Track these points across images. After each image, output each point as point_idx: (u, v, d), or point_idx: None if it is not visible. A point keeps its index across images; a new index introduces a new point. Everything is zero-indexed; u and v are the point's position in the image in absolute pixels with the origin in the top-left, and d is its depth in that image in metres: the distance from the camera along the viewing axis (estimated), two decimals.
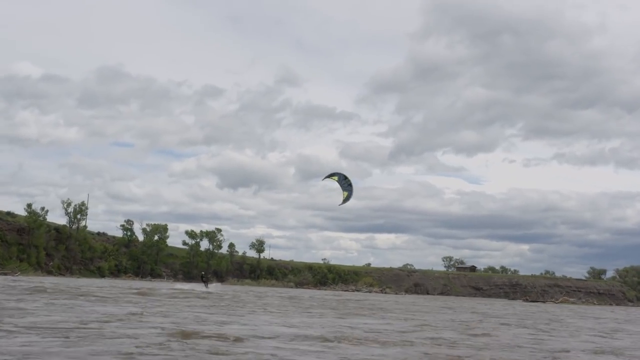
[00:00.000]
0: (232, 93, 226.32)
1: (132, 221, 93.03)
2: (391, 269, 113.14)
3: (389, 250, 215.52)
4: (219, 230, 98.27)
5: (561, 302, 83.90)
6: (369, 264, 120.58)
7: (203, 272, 50.77)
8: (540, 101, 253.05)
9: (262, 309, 22.31)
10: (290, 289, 73.08)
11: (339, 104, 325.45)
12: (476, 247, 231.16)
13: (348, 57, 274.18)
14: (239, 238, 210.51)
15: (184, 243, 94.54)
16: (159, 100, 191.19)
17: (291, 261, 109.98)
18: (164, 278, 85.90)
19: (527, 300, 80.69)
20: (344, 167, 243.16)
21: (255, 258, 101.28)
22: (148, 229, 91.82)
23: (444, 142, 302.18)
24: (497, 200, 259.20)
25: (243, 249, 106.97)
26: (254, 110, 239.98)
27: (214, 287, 46.74)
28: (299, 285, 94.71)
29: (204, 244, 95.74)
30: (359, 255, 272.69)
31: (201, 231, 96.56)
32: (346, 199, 25.60)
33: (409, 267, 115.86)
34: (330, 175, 26.29)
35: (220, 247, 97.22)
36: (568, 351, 13.35)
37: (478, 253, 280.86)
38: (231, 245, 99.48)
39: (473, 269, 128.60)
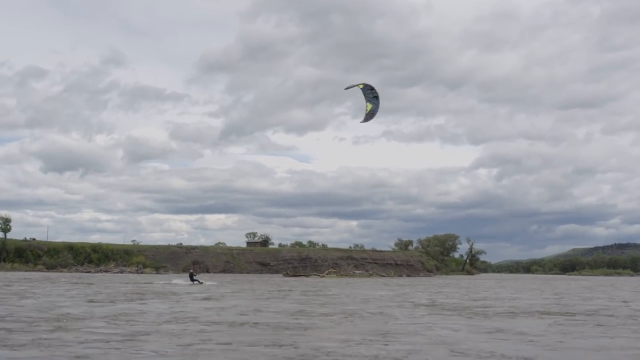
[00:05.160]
0: (56, 74, 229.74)
1: None
2: (168, 246, 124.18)
3: (219, 230, 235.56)
4: None
5: (327, 274, 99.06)
6: (135, 241, 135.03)
7: (191, 270, 57.53)
8: (368, 80, 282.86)
9: None
10: (35, 273, 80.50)
11: (168, 84, 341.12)
12: (306, 225, 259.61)
13: (177, 38, 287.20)
14: (64, 223, 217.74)
15: None
16: None
17: (48, 242, 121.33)
18: None
19: (287, 275, 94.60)
20: (175, 149, 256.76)
21: (1, 238, 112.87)
22: None
23: (275, 122, 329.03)
24: (328, 178, 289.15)
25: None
26: (80, 92, 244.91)
27: None
28: (51, 268, 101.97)
29: None
30: (189, 236, 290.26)
31: None
32: (370, 114, 25.96)
33: (186, 245, 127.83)
34: (356, 85, 26.64)
35: None
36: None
37: (308, 231, 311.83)
38: None
39: (264, 243, 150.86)
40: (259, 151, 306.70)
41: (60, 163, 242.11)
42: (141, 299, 28.86)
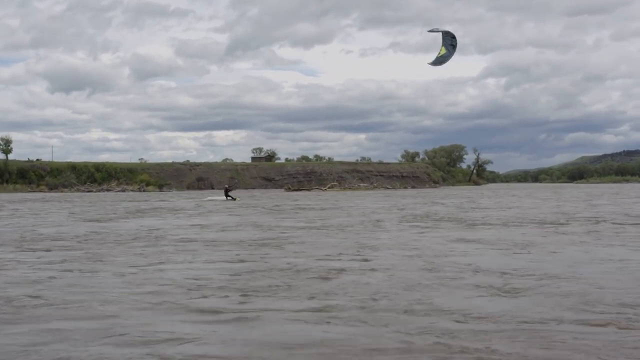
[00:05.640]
0: None
1: None
2: (172, 163, 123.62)
3: (227, 147, 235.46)
4: None
5: (330, 187, 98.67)
6: (142, 159, 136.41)
7: (226, 186, 61.03)
8: None
9: None
10: (35, 194, 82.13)
11: (172, 0, 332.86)
12: (314, 139, 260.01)
13: None
14: (73, 144, 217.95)
15: None
16: None
17: (51, 162, 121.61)
18: None
19: (289, 189, 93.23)
20: (181, 65, 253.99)
21: (2, 160, 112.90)
22: None
23: (281, 36, 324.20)
24: (335, 91, 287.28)
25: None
26: (83, 10, 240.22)
27: None
28: (53, 189, 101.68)
29: None
30: (198, 153, 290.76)
31: None
32: (441, 59, 24.76)
33: (190, 161, 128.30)
34: (439, 30, 25.35)
35: None
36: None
37: (316, 145, 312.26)
38: None
39: (269, 158, 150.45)
40: (265, 66, 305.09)
41: (66, 83, 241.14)
42: (127, 218, 28.22)
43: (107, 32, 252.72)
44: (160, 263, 12.61)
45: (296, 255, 13.66)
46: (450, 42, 24.57)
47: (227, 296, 9.01)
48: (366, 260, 12.78)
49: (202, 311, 8.01)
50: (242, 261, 12.82)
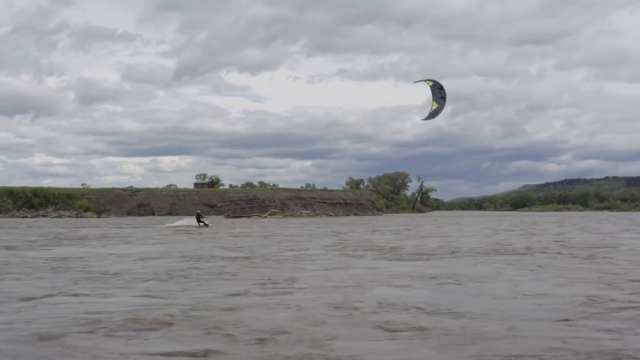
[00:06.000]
0: (3, 14, 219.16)
1: None
2: (113, 189, 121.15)
3: (173, 172, 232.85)
4: None
5: (270, 215, 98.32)
6: (84, 185, 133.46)
7: (198, 211, 59.48)
8: (322, 17, 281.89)
9: None
10: None
11: (120, 24, 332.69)
12: (261, 166, 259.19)
13: None
14: (16, 168, 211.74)
15: None
16: None
17: None
18: None
19: (228, 217, 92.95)
20: (127, 90, 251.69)
21: None
22: None
23: (228, 61, 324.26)
24: (282, 118, 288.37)
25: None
26: (29, 33, 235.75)
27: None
28: None
29: None
30: (143, 179, 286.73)
31: None
32: (434, 113, 25.34)
33: (133, 187, 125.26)
34: (425, 80, 25.96)
35: None
36: None
37: (262, 171, 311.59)
38: None
39: (212, 184, 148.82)
40: (212, 92, 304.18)
41: (10, 106, 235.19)
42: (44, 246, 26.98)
43: (53, 55, 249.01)
44: (60, 294, 11.68)
45: (203, 290, 12.87)
46: (439, 94, 25.31)
47: (110, 335, 8.18)
48: (280, 293, 12.09)
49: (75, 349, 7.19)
50: (147, 295, 11.98)
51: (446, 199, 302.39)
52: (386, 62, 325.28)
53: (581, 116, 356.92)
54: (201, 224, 50.94)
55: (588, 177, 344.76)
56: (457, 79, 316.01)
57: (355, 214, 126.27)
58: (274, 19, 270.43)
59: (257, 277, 14.85)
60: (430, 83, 25.87)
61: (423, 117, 25.92)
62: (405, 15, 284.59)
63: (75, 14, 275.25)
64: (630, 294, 12.07)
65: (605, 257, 19.98)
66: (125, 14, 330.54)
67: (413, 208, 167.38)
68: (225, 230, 44.57)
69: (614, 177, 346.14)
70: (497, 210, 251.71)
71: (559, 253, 22.01)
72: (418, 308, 10.33)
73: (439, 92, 25.67)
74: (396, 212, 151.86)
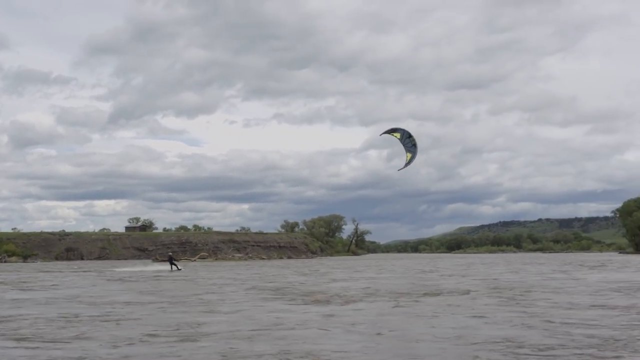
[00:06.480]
0: None
1: None
2: (41, 233, 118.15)
3: (108, 216, 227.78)
4: None
5: (199, 258, 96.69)
6: (15, 229, 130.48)
7: (170, 253, 57.17)
8: (258, 61, 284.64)
9: None
10: None
11: (54, 68, 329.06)
12: (197, 209, 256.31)
13: (63, 20, 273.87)
14: None
15: None
16: None
17: None
18: None
19: (156, 260, 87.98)
20: (62, 133, 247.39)
21: None
22: None
23: (165, 105, 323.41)
24: (218, 161, 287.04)
25: None
26: None
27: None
28: None
29: None
30: (78, 223, 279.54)
31: None
32: (409, 162, 25.94)
33: (63, 231, 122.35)
34: (392, 131, 26.32)
35: None
36: None
37: (199, 215, 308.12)
38: None
39: (144, 228, 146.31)
40: (148, 135, 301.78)
41: None
42: None
43: None
44: None
45: (96, 337, 12.23)
46: (410, 143, 26.07)
47: None
48: (183, 340, 11.57)
49: None
50: (20, 346, 11.30)
51: (382, 241, 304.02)
52: (322, 106, 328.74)
53: (514, 160, 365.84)
54: (174, 268, 49.41)
55: (522, 219, 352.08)
56: (393, 123, 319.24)
57: (289, 257, 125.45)
58: (210, 63, 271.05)
59: (161, 322, 14.26)
60: (398, 135, 26.64)
61: (399, 168, 26.83)
62: (341, 59, 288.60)
63: (9, 57, 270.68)
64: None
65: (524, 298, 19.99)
66: (61, 57, 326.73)
67: (348, 251, 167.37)
68: (144, 274, 43.47)
69: (547, 219, 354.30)
70: (433, 252, 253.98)
71: (477, 291, 21.97)
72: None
73: (408, 141, 26.34)
74: (331, 255, 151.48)
